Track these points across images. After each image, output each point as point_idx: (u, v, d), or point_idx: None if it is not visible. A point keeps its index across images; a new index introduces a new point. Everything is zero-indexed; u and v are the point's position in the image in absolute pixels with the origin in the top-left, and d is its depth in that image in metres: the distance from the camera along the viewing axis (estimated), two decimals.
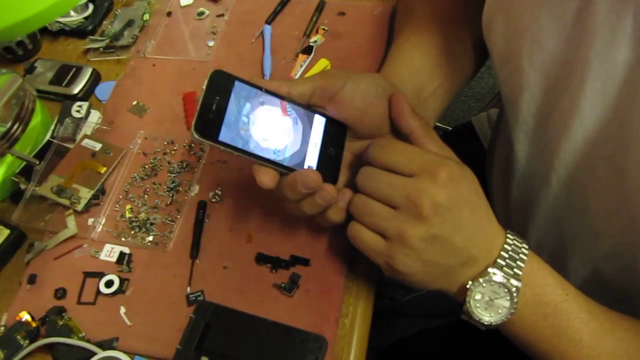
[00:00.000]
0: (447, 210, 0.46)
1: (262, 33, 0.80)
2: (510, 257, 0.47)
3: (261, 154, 0.48)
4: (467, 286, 0.48)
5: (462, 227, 0.47)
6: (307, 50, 0.77)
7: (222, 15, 0.83)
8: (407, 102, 0.51)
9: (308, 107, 0.52)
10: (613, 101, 0.45)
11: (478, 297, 0.48)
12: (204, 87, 0.47)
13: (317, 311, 0.56)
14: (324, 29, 0.79)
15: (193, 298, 0.58)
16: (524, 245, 0.49)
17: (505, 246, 0.48)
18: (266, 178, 0.48)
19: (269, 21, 0.81)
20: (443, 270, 0.49)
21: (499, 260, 0.47)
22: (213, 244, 0.62)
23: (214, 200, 0.65)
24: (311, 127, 0.51)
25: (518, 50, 0.51)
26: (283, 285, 0.57)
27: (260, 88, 0.49)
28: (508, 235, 0.49)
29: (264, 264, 0.59)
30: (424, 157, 0.47)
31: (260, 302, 0.57)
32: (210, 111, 0.46)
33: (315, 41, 0.78)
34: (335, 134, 0.53)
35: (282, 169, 0.49)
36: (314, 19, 0.80)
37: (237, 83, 0.48)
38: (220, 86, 0.47)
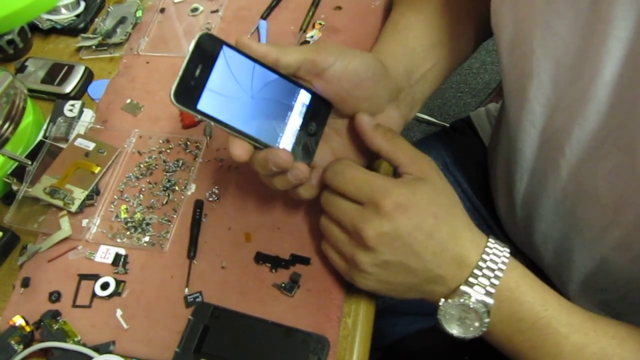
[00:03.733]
0: (394, 239, 0.47)
1: (257, 29, 0.79)
2: (484, 275, 0.47)
3: (238, 127, 0.47)
4: (440, 304, 0.49)
5: (416, 252, 0.47)
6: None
7: (217, 11, 0.82)
8: (369, 120, 0.52)
9: (295, 81, 0.50)
10: (630, 88, 0.43)
11: (448, 315, 0.49)
12: (189, 50, 0.45)
13: (319, 311, 0.55)
14: (320, 23, 0.78)
15: (191, 299, 0.57)
16: (504, 257, 0.48)
17: (480, 263, 0.48)
18: (240, 151, 0.47)
19: (264, 16, 0.80)
20: (408, 287, 0.50)
21: (470, 279, 0.47)
22: (211, 243, 0.60)
23: (211, 199, 0.63)
24: (295, 101, 0.50)
25: (529, 35, 0.49)
26: (283, 285, 0.56)
27: (248, 57, 0.47)
28: (486, 249, 0.48)
29: (264, 263, 0.58)
30: (372, 186, 0.48)
31: (260, 303, 0.56)
32: (192, 77, 0.45)
33: (312, 36, 0.76)
34: (319, 111, 0.52)
35: (258, 144, 0.48)
36: (310, 13, 0.79)
37: (225, 49, 0.46)
38: (207, 51, 0.46)
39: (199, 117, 0.46)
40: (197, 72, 0.45)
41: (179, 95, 0.44)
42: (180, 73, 0.44)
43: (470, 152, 0.88)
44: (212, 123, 0.46)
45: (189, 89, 0.45)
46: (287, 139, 0.50)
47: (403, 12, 0.64)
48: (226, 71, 0.46)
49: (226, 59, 0.47)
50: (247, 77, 0.47)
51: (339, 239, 0.51)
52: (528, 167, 0.62)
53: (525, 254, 0.75)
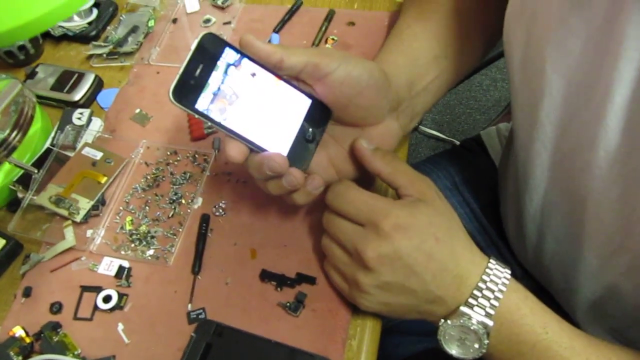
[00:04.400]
0: (394, 260, 0.47)
1: (269, 42, 0.78)
2: (484, 296, 0.47)
3: (234, 129, 0.47)
4: (439, 324, 0.49)
5: (416, 273, 0.47)
6: None
7: (229, 22, 0.81)
8: (367, 145, 0.53)
9: (296, 85, 0.50)
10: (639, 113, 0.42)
11: (448, 336, 0.49)
12: (192, 48, 0.45)
13: (323, 332, 0.54)
14: (333, 38, 0.77)
15: (194, 316, 0.56)
16: (505, 278, 0.48)
17: (479, 284, 0.48)
18: (235, 152, 0.47)
19: (277, 30, 0.80)
20: (408, 308, 0.50)
21: (470, 300, 0.47)
22: (216, 259, 0.60)
23: (217, 213, 0.63)
24: (295, 106, 0.50)
25: (541, 53, 0.49)
26: (288, 304, 0.55)
27: (251, 59, 0.47)
28: (486, 269, 0.49)
29: (269, 281, 0.57)
30: (371, 208, 0.48)
31: (264, 322, 0.55)
32: (192, 76, 0.45)
33: None
34: (318, 118, 0.51)
35: (253, 147, 0.48)
36: (323, 28, 0.78)
37: (227, 50, 0.47)
38: (209, 51, 0.46)
39: (196, 116, 0.46)
40: (198, 71, 0.45)
41: (177, 94, 0.44)
42: (181, 71, 0.45)
43: (480, 171, 0.87)
44: (209, 123, 0.46)
45: (189, 87, 0.45)
46: (284, 144, 0.50)
47: (409, 23, 0.63)
48: (227, 73, 0.46)
49: (228, 60, 0.47)
50: (248, 79, 0.47)
51: (341, 260, 0.51)
52: (539, 189, 0.61)
53: (534, 278, 0.74)
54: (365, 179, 0.57)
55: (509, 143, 0.77)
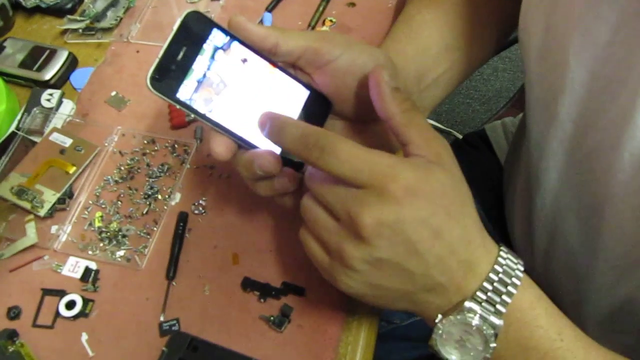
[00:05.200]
0: (395, 232, 0.38)
1: (261, 21, 0.72)
2: (495, 290, 0.40)
3: (221, 122, 0.42)
4: (436, 321, 0.41)
5: (419, 252, 0.39)
6: None
7: None
8: (389, 79, 0.43)
9: (293, 74, 0.45)
10: None
11: (446, 335, 0.41)
12: (173, 29, 0.40)
13: (310, 351, 0.48)
14: (331, 20, 0.72)
15: (167, 327, 0.50)
16: (518, 270, 0.41)
17: (491, 275, 0.40)
18: (221, 149, 0.42)
19: (270, 9, 0.74)
20: (399, 295, 0.42)
21: (478, 294, 0.40)
22: (193, 263, 0.54)
23: (197, 211, 0.57)
24: (290, 98, 0.45)
25: (563, 42, 0.44)
26: (272, 318, 0.49)
27: (242, 42, 0.42)
28: (499, 258, 0.41)
29: (251, 290, 0.51)
30: (373, 167, 0.38)
31: (244, 337, 0.50)
32: (173, 61, 0.40)
33: None
34: (317, 111, 0.46)
35: (242, 143, 0.43)
36: (321, 9, 0.73)
37: (215, 31, 0.41)
38: (194, 32, 0.41)
39: (178, 106, 0.41)
40: (180, 55, 0.40)
41: (156, 80, 0.40)
42: (160, 54, 0.40)
43: (484, 169, 0.83)
44: (192, 115, 0.41)
45: (169, 73, 0.40)
46: None
47: (419, 8, 0.58)
48: (213, 57, 0.41)
49: (215, 44, 0.42)
50: (238, 66, 0.42)
51: (325, 225, 0.41)
52: (552, 191, 0.56)
53: (541, 286, 0.69)
54: None
55: (517, 139, 0.73)
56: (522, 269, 0.42)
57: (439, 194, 0.39)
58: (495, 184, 0.79)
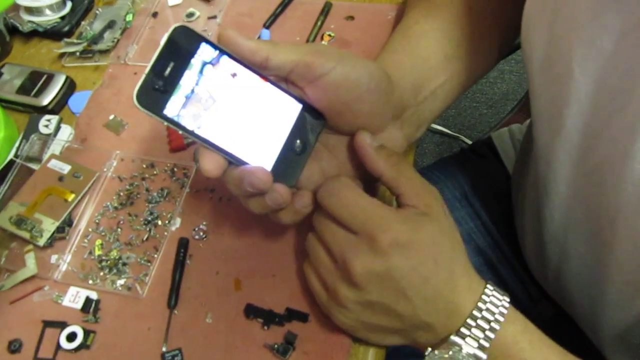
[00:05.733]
0: (384, 280, 0.42)
1: (259, 38, 0.71)
2: (478, 326, 0.43)
3: (210, 139, 0.41)
4: (426, 353, 0.43)
5: (407, 297, 0.42)
6: None
7: (215, 17, 0.74)
8: (371, 140, 0.46)
9: (285, 88, 0.44)
10: None
11: None
12: (161, 44, 0.39)
13: None
14: (330, 34, 0.70)
15: (169, 357, 0.49)
16: (502, 307, 0.43)
17: (474, 312, 0.43)
18: (211, 166, 0.42)
19: (267, 25, 0.72)
20: (390, 332, 0.46)
21: (462, 330, 0.43)
22: (195, 291, 0.53)
23: (197, 237, 0.56)
24: (282, 113, 0.43)
25: (567, 53, 0.43)
26: (276, 346, 0.48)
27: (231, 57, 0.41)
28: (483, 296, 0.44)
29: (255, 318, 0.50)
30: (369, 216, 0.43)
31: None
32: (161, 76, 0.39)
33: None
34: (309, 126, 0.45)
35: (232, 159, 0.42)
36: (319, 23, 0.71)
37: (203, 45, 0.40)
38: (181, 47, 0.40)
39: (165, 123, 0.40)
40: (168, 70, 0.39)
41: (143, 96, 0.38)
42: (147, 71, 0.39)
43: (492, 179, 0.81)
44: (180, 132, 0.40)
45: (156, 89, 0.39)
46: (268, 156, 0.43)
47: (417, 19, 0.57)
48: (202, 72, 0.40)
49: (204, 58, 0.40)
50: (227, 80, 0.41)
51: (324, 264, 0.45)
52: (561, 203, 0.54)
53: (554, 301, 0.68)
54: (366, 189, 0.50)
55: (525, 149, 0.71)
56: (507, 305, 0.44)
57: (428, 244, 0.43)
58: (504, 194, 0.77)
